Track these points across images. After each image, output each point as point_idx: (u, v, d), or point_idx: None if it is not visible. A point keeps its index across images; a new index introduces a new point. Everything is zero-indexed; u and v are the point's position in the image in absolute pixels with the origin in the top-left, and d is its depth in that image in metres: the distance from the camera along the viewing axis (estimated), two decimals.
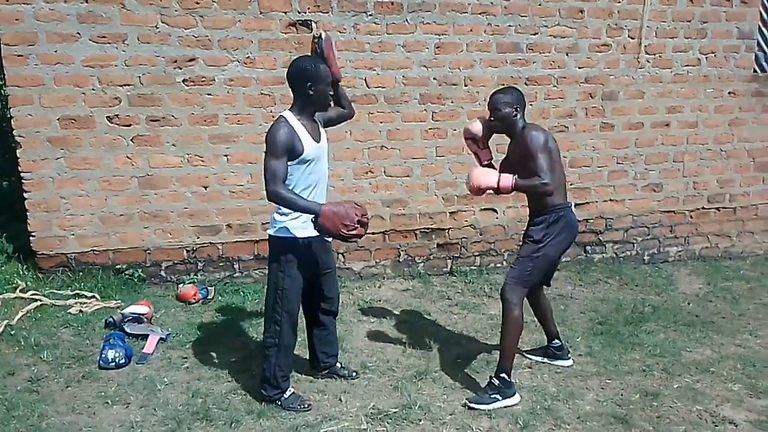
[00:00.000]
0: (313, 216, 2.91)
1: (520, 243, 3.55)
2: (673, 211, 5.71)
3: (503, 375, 3.32)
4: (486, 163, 3.59)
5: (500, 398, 3.29)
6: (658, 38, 5.33)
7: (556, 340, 3.78)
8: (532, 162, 3.24)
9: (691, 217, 5.77)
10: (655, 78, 5.40)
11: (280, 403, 3.21)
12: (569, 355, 3.83)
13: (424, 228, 5.17)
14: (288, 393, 3.24)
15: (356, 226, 2.92)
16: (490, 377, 3.38)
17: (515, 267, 3.43)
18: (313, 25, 4.60)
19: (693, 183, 5.70)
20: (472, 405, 3.28)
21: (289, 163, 3.00)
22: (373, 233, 5.03)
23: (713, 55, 5.49)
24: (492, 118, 3.46)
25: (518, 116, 3.41)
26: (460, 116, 5.01)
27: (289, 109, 3.12)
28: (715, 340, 4.17)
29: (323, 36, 3.29)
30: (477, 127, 3.54)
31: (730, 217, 5.87)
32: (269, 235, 3.19)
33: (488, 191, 3.39)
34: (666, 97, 5.47)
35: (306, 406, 3.22)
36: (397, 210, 5.07)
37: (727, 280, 5.34)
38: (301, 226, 3.10)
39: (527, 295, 3.59)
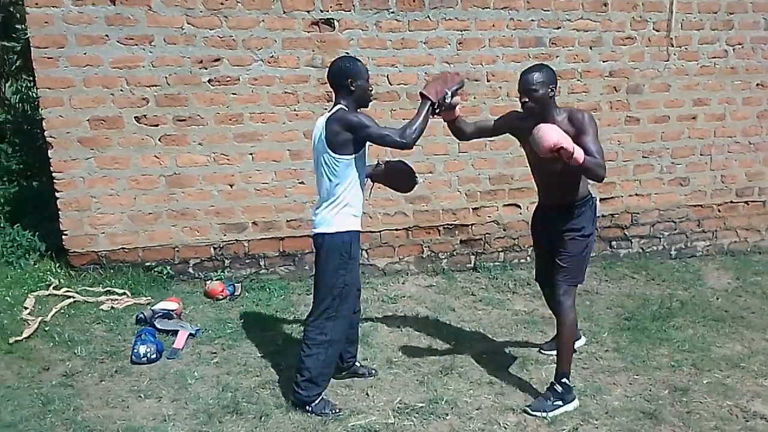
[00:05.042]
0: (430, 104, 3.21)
1: (550, 238, 3.34)
2: (701, 205, 5.63)
3: (564, 380, 3.23)
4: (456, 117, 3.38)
5: (562, 404, 3.19)
6: (684, 30, 5.25)
7: None
8: (591, 144, 2.99)
9: (719, 211, 5.69)
10: (681, 70, 5.33)
11: (310, 408, 3.14)
12: (581, 335, 3.85)
13: (448, 224, 5.16)
14: (319, 398, 3.19)
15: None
16: (552, 383, 3.25)
17: (567, 267, 3.22)
18: (336, 23, 4.63)
19: (721, 176, 5.61)
20: (534, 413, 3.17)
21: (350, 156, 3.04)
22: (396, 230, 5.06)
23: (740, 46, 5.40)
24: (526, 101, 3.08)
25: (554, 97, 3.11)
26: (482, 112, 4.98)
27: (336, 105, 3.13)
28: (745, 335, 4.11)
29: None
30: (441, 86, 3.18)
31: (759, 211, 5.76)
32: (323, 233, 3.11)
33: (558, 150, 2.87)
34: (692, 90, 5.38)
35: (337, 410, 3.17)
36: (420, 206, 5.07)
37: (756, 274, 5.25)
38: (356, 219, 3.14)
39: (542, 288, 3.62)
